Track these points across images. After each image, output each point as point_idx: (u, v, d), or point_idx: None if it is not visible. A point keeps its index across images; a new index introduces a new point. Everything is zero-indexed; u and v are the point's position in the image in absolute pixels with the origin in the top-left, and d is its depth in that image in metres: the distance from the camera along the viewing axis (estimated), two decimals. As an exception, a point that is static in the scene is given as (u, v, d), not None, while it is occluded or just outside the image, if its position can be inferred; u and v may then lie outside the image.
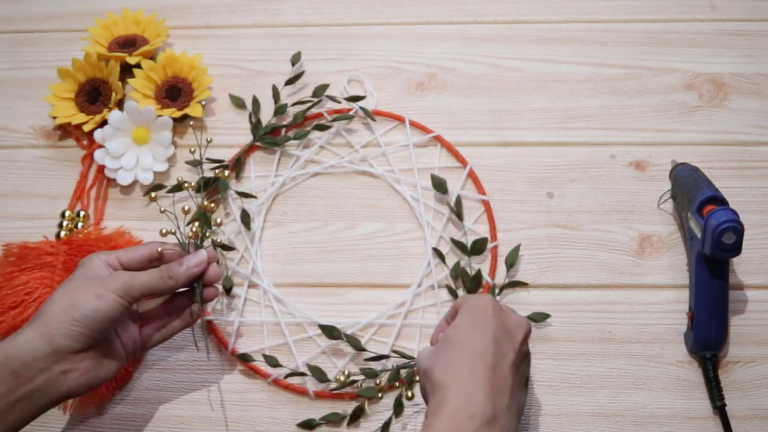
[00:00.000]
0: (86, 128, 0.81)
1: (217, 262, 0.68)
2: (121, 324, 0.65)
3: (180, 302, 0.68)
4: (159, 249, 0.66)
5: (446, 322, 0.65)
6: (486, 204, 0.78)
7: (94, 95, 0.83)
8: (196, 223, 0.71)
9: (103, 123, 0.81)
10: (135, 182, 0.80)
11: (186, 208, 0.72)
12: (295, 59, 0.84)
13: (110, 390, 0.72)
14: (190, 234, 0.69)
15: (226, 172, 0.78)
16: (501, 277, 0.75)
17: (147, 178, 0.79)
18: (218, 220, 0.75)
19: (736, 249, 0.67)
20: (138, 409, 0.72)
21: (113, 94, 0.81)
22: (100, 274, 0.63)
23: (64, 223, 0.78)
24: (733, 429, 0.69)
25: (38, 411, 0.60)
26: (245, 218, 0.78)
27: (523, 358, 0.62)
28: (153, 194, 0.74)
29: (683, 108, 0.81)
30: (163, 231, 0.70)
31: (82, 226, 0.78)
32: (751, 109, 0.81)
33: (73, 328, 0.59)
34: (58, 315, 0.60)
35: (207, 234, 0.70)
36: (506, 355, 0.59)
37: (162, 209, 0.71)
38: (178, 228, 0.69)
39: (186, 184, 0.75)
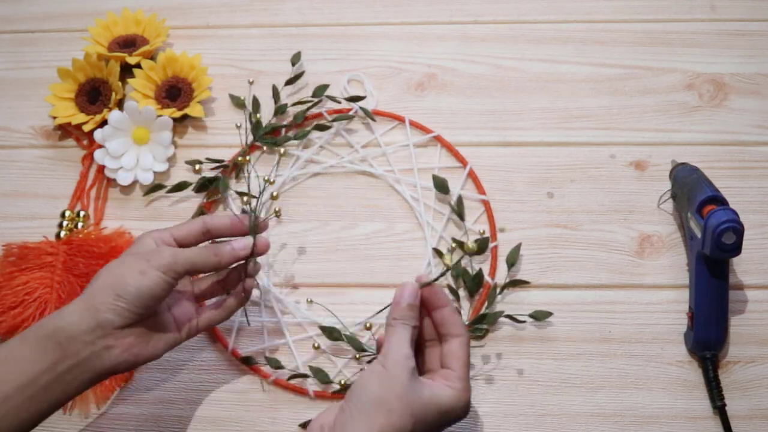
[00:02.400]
0: (86, 128, 0.81)
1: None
2: (175, 302, 0.66)
3: (234, 278, 0.68)
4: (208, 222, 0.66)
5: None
6: (486, 204, 0.78)
7: (94, 95, 0.83)
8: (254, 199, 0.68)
9: (103, 123, 0.81)
10: (135, 182, 0.80)
11: (270, 179, 0.73)
12: (295, 59, 0.84)
13: (111, 389, 0.72)
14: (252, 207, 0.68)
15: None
16: (501, 277, 0.75)
17: (147, 178, 0.79)
18: (271, 178, 0.75)
19: (736, 249, 0.67)
20: (138, 409, 0.72)
21: (113, 94, 0.81)
22: (147, 250, 0.63)
23: (64, 223, 0.78)
24: (733, 429, 0.69)
25: (82, 386, 0.60)
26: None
27: None
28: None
29: (683, 108, 0.81)
30: (244, 200, 0.68)
31: (82, 226, 0.78)
32: (751, 109, 0.81)
33: (117, 304, 0.60)
34: (103, 290, 0.60)
35: (260, 213, 0.68)
36: None
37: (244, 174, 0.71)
38: (249, 203, 0.68)
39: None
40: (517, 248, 0.75)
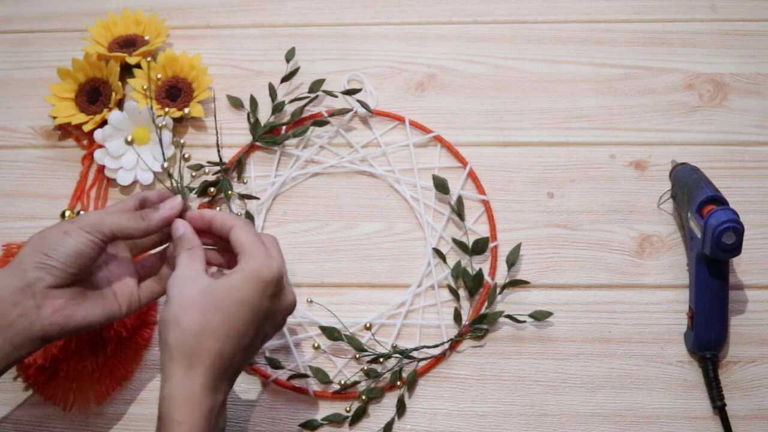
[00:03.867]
0: (86, 128, 0.81)
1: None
2: (115, 275, 0.65)
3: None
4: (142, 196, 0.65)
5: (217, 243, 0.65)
6: (486, 204, 0.78)
7: (94, 95, 0.83)
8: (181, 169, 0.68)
9: (103, 123, 0.81)
10: (135, 182, 0.80)
11: (187, 156, 0.77)
12: (290, 55, 0.84)
13: (111, 389, 0.72)
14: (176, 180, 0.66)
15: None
16: (501, 277, 0.75)
17: (147, 178, 0.79)
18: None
19: (736, 249, 0.67)
20: (138, 409, 0.72)
21: (113, 94, 0.81)
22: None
23: (64, 223, 0.78)
24: (733, 429, 0.69)
25: (14, 351, 0.59)
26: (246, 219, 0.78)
27: (270, 330, 0.63)
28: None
29: (683, 108, 0.81)
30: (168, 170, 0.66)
31: (82, 226, 0.78)
32: (751, 109, 0.81)
33: (45, 262, 0.60)
34: (29, 253, 0.60)
35: (189, 184, 0.68)
36: (258, 337, 0.61)
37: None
38: (170, 176, 0.66)
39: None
40: (517, 248, 0.75)
